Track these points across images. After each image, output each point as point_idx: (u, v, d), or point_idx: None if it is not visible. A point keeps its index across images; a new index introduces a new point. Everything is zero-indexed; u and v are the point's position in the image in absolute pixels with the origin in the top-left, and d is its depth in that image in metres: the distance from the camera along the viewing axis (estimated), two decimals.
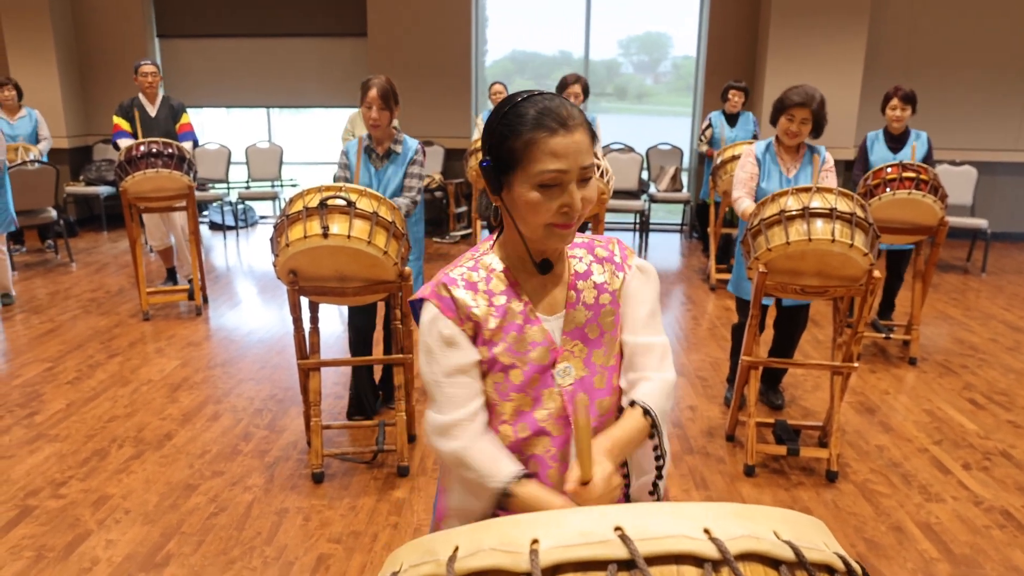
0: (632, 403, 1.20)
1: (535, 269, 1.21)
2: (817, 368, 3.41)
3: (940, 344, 4.60)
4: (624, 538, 0.60)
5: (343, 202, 2.57)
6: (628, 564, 0.58)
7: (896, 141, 4.47)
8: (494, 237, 1.28)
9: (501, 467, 1.16)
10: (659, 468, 1.24)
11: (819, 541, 0.66)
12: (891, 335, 4.48)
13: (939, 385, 3.95)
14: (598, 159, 4.05)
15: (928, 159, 4.40)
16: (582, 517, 0.62)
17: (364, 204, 2.61)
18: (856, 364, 2.94)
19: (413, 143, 3.26)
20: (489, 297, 1.21)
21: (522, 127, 1.10)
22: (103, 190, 7.54)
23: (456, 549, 0.65)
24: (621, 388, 1.27)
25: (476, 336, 1.20)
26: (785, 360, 3.30)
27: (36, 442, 3.20)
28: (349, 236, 2.54)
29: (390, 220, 2.65)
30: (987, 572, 2.40)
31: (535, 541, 0.61)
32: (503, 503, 1.15)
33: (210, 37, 8.05)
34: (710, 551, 0.60)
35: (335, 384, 3.77)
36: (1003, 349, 4.52)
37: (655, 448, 1.21)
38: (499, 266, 1.23)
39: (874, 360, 4.29)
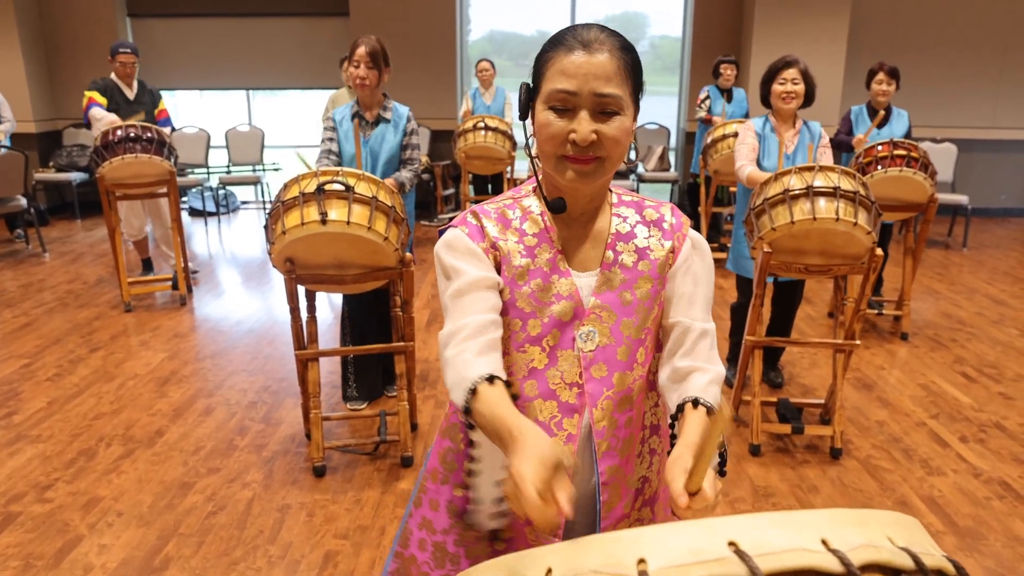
0: (696, 402, 1.09)
1: (572, 217, 1.14)
2: (819, 346, 3.42)
3: (929, 319, 4.64)
4: (740, 554, 0.55)
5: (341, 187, 2.49)
6: None
7: (877, 117, 4.50)
8: (537, 177, 1.20)
9: (477, 366, 1.01)
10: (721, 466, 1.14)
11: (928, 544, 0.62)
12: (883, 311, 4.51)
13: (931, 359, 3.99)
14: None
15: (907, 137, 4.44)
16: (689, 532, 0.57)
17: (363, 188, 2.53)
18: (858, 342, 2.94)
19: (404, 109, 3.16)
20: (520, 236, 1.14)
21: (548, 47, 1.08)
22: (75, 176, 7.31)
23: (548, 571, 0.60)
24: (657, 371, 1.19)
25: (499, 269, 1.12)
26: (789, 339, 3.30)
27: (16, 444, 3.07)
28: (348, 222, 2.46)
29: (390, 204, 2.57)
30: (991, 543, 2.43)
31: (642, 561, 0.57)
32: (471, 414, 1.00)
33: (185, 16, 7.80)
34: (832, 564, 0.55)
35: (331, 373, 3.69)
36: (989, 322, 4.58)
37: (720, 446, 1.13)
38: (536, 208, 1.16)
39: (867, 336, 4.32)
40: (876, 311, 4.51)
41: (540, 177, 1.18)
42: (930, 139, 6.99)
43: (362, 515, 2.57)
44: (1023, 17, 7.45)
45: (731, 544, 0.56)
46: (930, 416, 3.32)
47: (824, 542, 0.56)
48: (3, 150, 5.84)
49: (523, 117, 1.12)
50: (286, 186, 2.58)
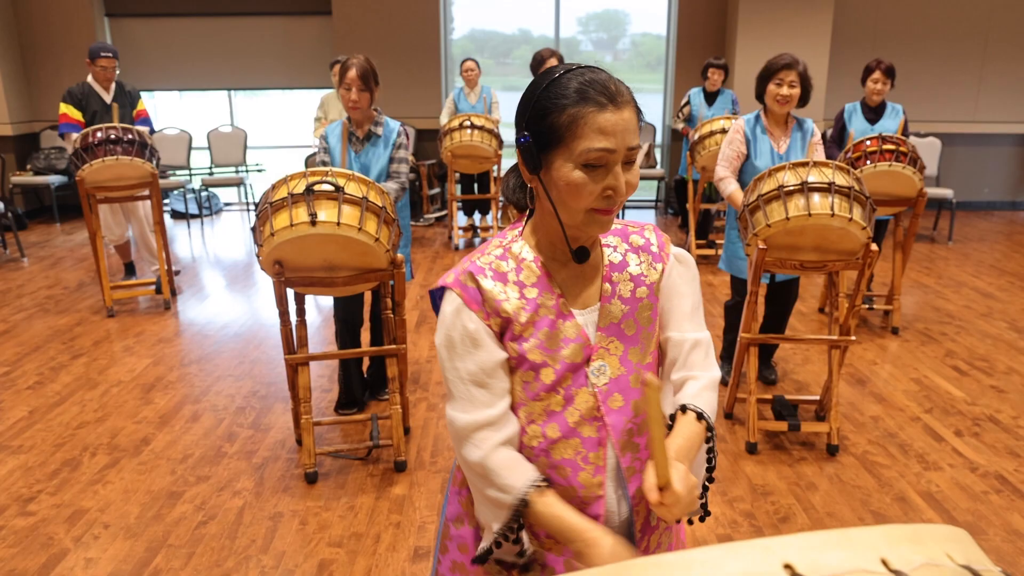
0: (683, 408, 1.13)
1: (568, 258, 1.12)
2: (815, 343, 3.40)
3: (919, 312, 4.66)
4: None
5: (330, 187, 2.43)
6: None
7: (873, 112, 4.50)
8: (523, 223, 1.17)
9: (519, 476, 1.09)
10: (710, 471, 1.17)
11: (983, 559, 0.60)
12: (873, 305, 4.52)
13: (922, 353, 3.99)
14: None
15: (903, 132, 4.44)
16: (742, 555, 0.53)
17: (352, 189, 2.47)
18: (853, 337, 2.93)
19: (395, 124, 3.13)
20: (520, 289, 1.11)
21: (566, 101, 1.00)
22: (54, 179, 7.17)
23: None
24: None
25: (504, 331, 1.10)
26: (784, 336, 3.28)
27: None
28: (339, 223, 2.41)
29: (380, 205, 2.51)
30: (990, 537, 2.42)
31: None
32: (521, 516, 1.09)
33: (164, 16, 7.67)
34: None
35: (319, 377, 3.63)
36: (977, 315, 4.59)
37: (708, 451, 1.15)
38: (530, 255, 1.13)
39: (858, 330, 4.32)
40: (867, 306, 4.51)
41: (532, 225, 1.16)
42: (915, 133, 7.04)
43: (356, 522, 2.51)
44: (1003, 11, 7.52)
45: (787, 567, 0.52)
46: (924, 411, 3.32)
47: (884, 562, 0.53)
48: None
49: (534, 171, 1.06)
50: (274, 187, 2.51)
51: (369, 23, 7.35)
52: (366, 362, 3.48)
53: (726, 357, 3.57)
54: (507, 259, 1.13)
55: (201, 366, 3.85)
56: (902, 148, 3.91)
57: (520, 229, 1.17)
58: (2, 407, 3.40)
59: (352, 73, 2.92)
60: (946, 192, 6.62)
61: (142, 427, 3.20)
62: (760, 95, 3.18)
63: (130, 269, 5.26)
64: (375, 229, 2.48)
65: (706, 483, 1.18)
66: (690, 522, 1.20)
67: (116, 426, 3.21)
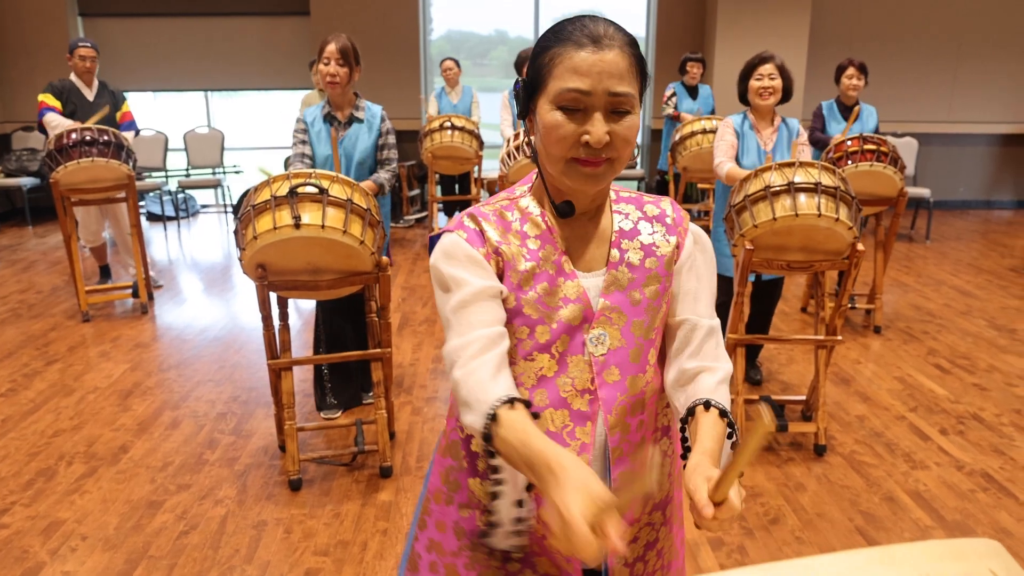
0: (707, 404, 1.06)
1: (575, 216, 1.08)
2: (802, 343, 3.41)
3: (900, 311, 4.70)
4: None
5: (315, 189, 2.38)
6: None
7: (848, 111, 4.56)
8: (532, 178, 1.14)
9: (493, 388, 0.97)
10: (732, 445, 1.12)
11: (1018, 570, 0.58)
12: (855, 304, 4.55)
13: (905, 352, 4.02)
14: None
15: (875, 132, 4.49)
16: (787, 575, 0.51)
17: (337, 191, 2.42)
18: (840, 337, 2.93)
19: (377, 108, 3.07)
20: (522, 238, 1.07)
21: (552, 42, 1.00)
22: (26, 181, 7.02)
23: None
24: (664, 370, 1.15)
25: (502, 277, 1.06)
26: (771, 336, 3.28)
27: None
28: (323, 226, 2.36)
29: (365, 207, 2.47)
30: (979, 536, 2.42)
31: None
32: (492, 440, 0.95)
33: (139, 16, 7.55)
34: None
35: (302, 381, 3.57)
36: (957, 314, 4.64)
37: (732, 447, 1.09)
38: (536, 209, 1.09)
39: (841, 330, 4.33)
40: (849, 305, 4.54)
41: (543, 178, 1.11)
42: (891, 133, 7.11)
43: (342, 530, 2.47)
44: (977, 12, 7.63)
45: None
46: (909, 409, 3.34)
47: None
48: None
49: (523, 116, 1.05)
50: (257, 189, 2.46)
51: (347, 23, 7.29)
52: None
53: None
54: (512, 209, 1.10)
55: (180, 371, 3.78)
56: (882, 148, 3.94)
57: (529, 184, 1.13)
58: None
59: (332, 46, 2.85)
60: (923, 191, 6.70)
61: (120, 434, 3.13)
62: (743, 94, 3.19)
63: (105, 272, 5.15)
64: (360, 231, 2.44)
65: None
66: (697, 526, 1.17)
67: (93, 434, 3.13)
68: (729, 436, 1.08)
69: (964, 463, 2.88)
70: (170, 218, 7.54)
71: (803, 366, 3.79)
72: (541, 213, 1.09)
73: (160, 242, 6.78)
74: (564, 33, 1.00)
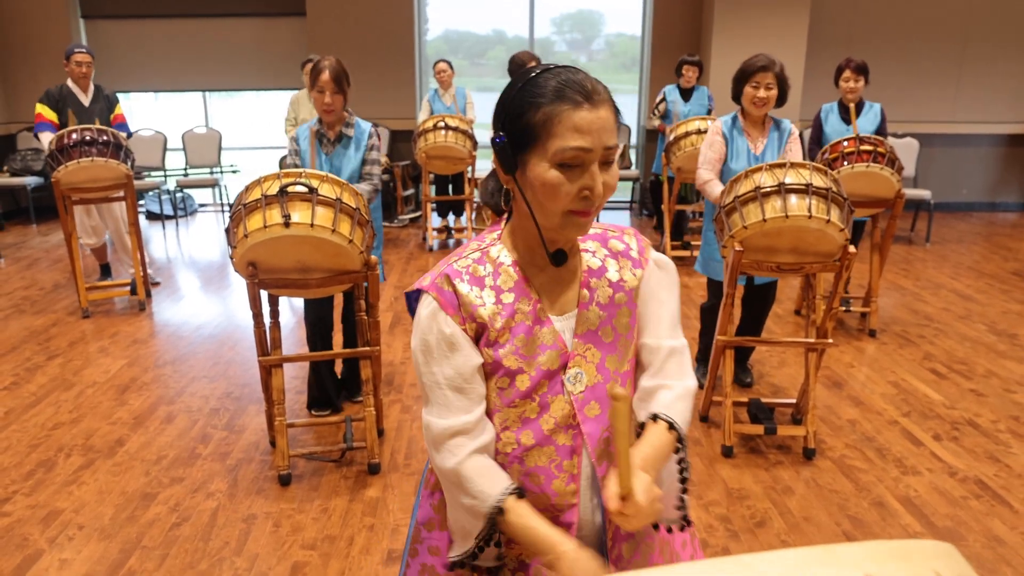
0: (655, 417, 1.11)
1: (545, 263, 1.11)
2: (792, 346, 3.40)
3: (896, 315, 4.68)
4: None
5: (304, 189, 2.40)
6: None
7: (849, 113, 4.49)
8: (501, 226, 1.16)
9: (493, 483, 1.08)
10: (684, 481, 1.15)
11: (971, 573, 0.58)
12: (850, 307, 4.54)
13: (900, 356, 4.01)
14: None
15: (881, 131, 4.44)
16: (724, 573, 0.52)
17: (326, 190, 2.45)
18: (831, 340, 2.93)
19: (366, 126, 3.11)
20: (497, 294, 1.09)
21: (542, 99, 0.99)
22: (30, 181, 7.09)
23: None
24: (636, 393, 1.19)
25: (480, 337, 1.09)
26: (761, 339, 3.28)
27: None
28: (312, 225, 2.38)
29: (354, 207, 2.49)
30: (970, 544, 2.41)
31: None
32: (496, 524, 1.08)
33: (139, 18, 7.61)
34: None
35: (294, 378, 3.60)
36: (956, 318, 4.62)
37: (680, 462, 1.13)
38: (508, 259, 1.11)
39: (834, 333, 4.33)
40: (844, 308, 4.53)
41: (539, 227, 1.11)
42: (892, 134, 7.08)
43: (330, 524, 2.49)
44: (981, 11, 7.58)
45: None
46: (902, 414, 3.33)
47: None
48: None
49: (510, 172, 1.04)
50: (248, 188, 2.49)
51: (343, 24, 7.32)
52: (339, 364, 3.45)
53: (702, 360, 3.58)
54: (484, 263, 1.11)
55: (176, 367, 3.81)
56: (880, 149, 3.92)
57: (498, 232, 1.15)
58: None
59: (325, 76, 2.90)
60: (924, 193, 6.67)
61: (117, 428, 3.16)
62: (736, 96, 3.17)
63: (106, 270, 5.20)
64: (349, 230, 2.46)
65: (682, 494, 1.16)
66: (669, 530, 1.18)
67: (91, 427, 3.17)
68: (677, 451, 1.12)
69: (957, 469, 2.86)
70: (168, 217, 7.59)
71: (795, 369, 3.79)
72: (513, 263, 1.11)
73: (159, 240, 6.83)
74: (552, 90, 0.99)
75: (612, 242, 1.17)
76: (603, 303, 1.13)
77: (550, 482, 1.12)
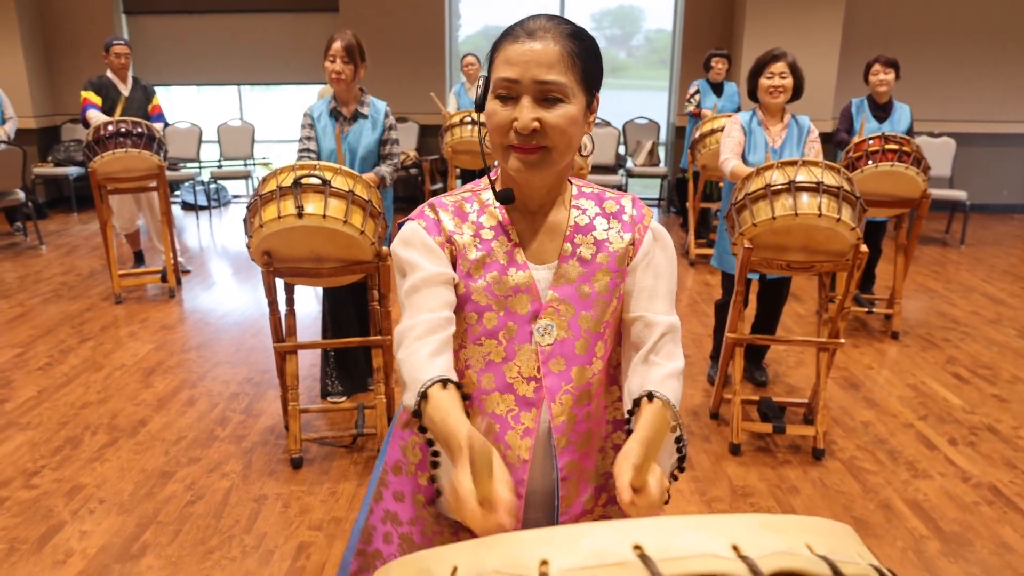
0: (651, 396, 1.07)
1: (530, 209, 1.14)
2: (803, 344, 3.38)
3: (922, 318, 4.60)
4: (644, 558, 0.53)
5: (317, 181, 2.47)
6: None
7: (881, 110, 4.42)
8: (497, 171, 1.19)
9: (428, 368, 1.01)
10: (680, 460, 1.12)
11: (853, 552, 0.60)
12: (873, 309, 4.47)
13: (922, 359, 3.95)
14: None
15: (908, 132, 4.38)
16: (596, 534, 0.55)
17: (339, 183, 2.51)
18: (842, 340, 2.91)
19: (381, 104, 3.15)
20: (476, 229, 1.13)
21: (499, 38, 1.07)
22: (72, 171, 7.32)
23: (455, 570, 0.59)
24: (620, 365, 1.19)
25: (455, 264, 1.12)
26: (771, 337, 3.27)
27: (7, 431, 3.08)
28: (324, 216, 2.44)
29: (366, 199, 2.55)
30: (977, 549, 2.38)
31: (544, 563, 0.55)
32: (422, 416, 1.00)
33: (178, 13, 7.81)
34: (740, 571, 0.53)
35: (312, 366, 3.68)
36: (985, 322, 4.53)
37: (677, 440, 1.11)
38: (494, 201, 1.15)
39: (856, 335, 4.28)
40: (867, 309, 4.47)
41: (497, 169, 1.17)
42: (927, 133, 6.93)
43: (337, 507, 2.56)
44: (1022, 8, 7.36)
45: (636, 547, 0.54)
46: (918, 417, 3.29)
47: (735, 547, 0.54)
48: (2, 146, 5.84)
49: (479, 109, 1.10)
50: (264, 180, 2.56)
51: (375, 19, 7.40)
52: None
53: (716, 356, 3.57)
54: (472, 201, 1.15)
55: (200, 352, 3.93)
56: (905, 148, 3.86)
57: (495, 177, 1.18)
58: (14, 386, 3.51)
59: (337, 44, 2.95)
60: (959, 194, 6.51)
61: (141, 409, 3.28)
62: (752, 91, 3.18)
63: (139, 258, 5.36)
64: (360, 222, 2.52)
65: (675, 475, 1.15)
66: None
67: (117, 407, 3.29)
68: (673, 429, 1.09)
69: (971, 475, 2.81)
70: (203, 207, 7.77)
71: (812, 369, 3.76)
72: (499, 205, 1.14)
73: (192, 230, 7.01)
74: (508, 30, 1.06)
75: (607, 203, 1.18)
76: (584, 259, 1.14)
77: (504, 432, 1.13)
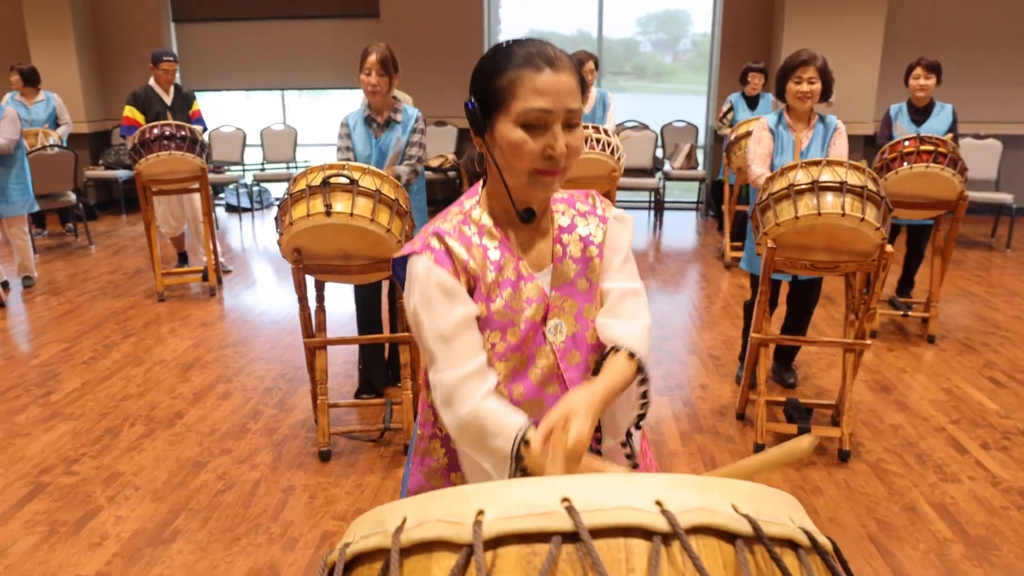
0: (616, 348, 1.16)
1: (520, 221, 1.18)
2: (828, 345, 3.35)
3: (961, 322, 4.49)
4: (570, 509, 0.57)
5: (346, 180, 2.55)
6: (573, 536, 0.56)
7: (920, 113, 4.34)
8: (479, 189, 1.23)
9: (514, 417, 1.10)
10: (641, 416, 1.19)
11: (783, 515, 0.62)
12: (910, 312, 4.38)
13: (958, 363, 3.86)
14: (608, 136, 3.99)
15: (952, 132, 4.28)
16: (529, 488, 0.59)
17: (367, 182, 2.59)
18: (868, 341, 2.88)
19: (413, 112, 3.24)
20: (484, 252, 1.16)
21: (508, 65, 1.09)
22: (122, 174, 7.61)
23: (404, 520, 0.64)
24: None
25: (473, 291, 1.15)
26: (795, 337, 3.24)
27: (51, 420, 3.25)
28: (352, 214, 2.53)
29: (393, 198, 2.63)
30: (1004, 554, 2.33)
31: (480, 512, 0.59)
32: (522, 457, 1.07)
33: (224, 20, 8.06)
34: (660, 524, 0.57)
35: (344, 363, 3.78)
36: None
37: (643, 395, 1.17)
38: (488, 221, 1.19)
39: (892, 338, 4.21)
40: (903, 312, 4.38)
41: (508, 189, 1.18)
42: (972, 135, 6.75)
43: (361, 499, 2.63)
44: None
45: (564, 500, 0.58)
46: (950, 421, 3.22)
47: (659, 503, 0.58)
48: (56, 149, 6.12)
49: (479, 134, 1.14)
50: (295, 180, 2.66)
51: (416, 25, 7.52)
52: (387, 349, 3.60)
53: (744, 357, 3.55)
54: (468, 224, 1.18)
55: (237, 349, 4.06)
56: (941, 149, 3.78)
57: (477, 196, 1.22)
58: (60, 378, 3.69)
59: (372, 58, 3.05)
60: (1006, 197, 6.33)
61: (177, 402, 3.41)
62: (780, 93, 3.16)
63: (183, 258, 5.55)
64: (387, 220, 2.59)
65: (633, 428, 1.20)
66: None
67: (155, 400, 3.43)
68: (641, 382, 1.16)
69: (1002, 479, 2.76)
70: (245, 209, 8.00)
71: (841, 371, 3.71)
72: (494, 223, 1.19)
73: (235, 231, 7.22)
74: (518, 57, 1.09)
75: (579, 204, 1.26)
76: (576, 256, 1.21)
77: None
